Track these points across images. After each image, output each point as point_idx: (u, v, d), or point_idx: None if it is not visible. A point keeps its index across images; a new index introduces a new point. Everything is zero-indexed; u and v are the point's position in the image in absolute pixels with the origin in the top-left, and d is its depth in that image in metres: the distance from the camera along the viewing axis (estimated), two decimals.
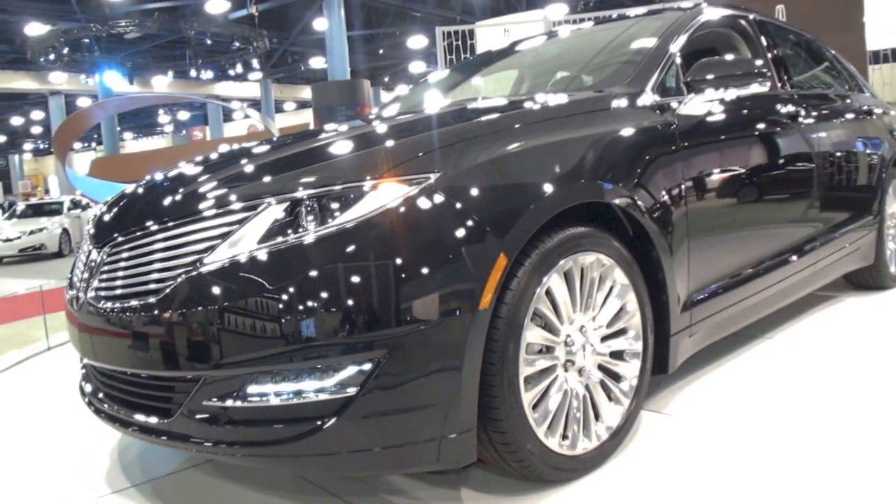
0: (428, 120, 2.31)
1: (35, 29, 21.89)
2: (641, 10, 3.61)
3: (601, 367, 2.14)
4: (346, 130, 2.43)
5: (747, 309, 2.84)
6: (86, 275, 2.08)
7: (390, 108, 3.53)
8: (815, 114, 3.34)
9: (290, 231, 1.74)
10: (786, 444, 2.16)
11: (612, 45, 3.07)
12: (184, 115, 40.95)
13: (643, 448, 2.22)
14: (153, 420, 1.89)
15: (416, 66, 32.22)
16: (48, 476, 2.40)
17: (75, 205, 16.85)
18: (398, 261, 1.68)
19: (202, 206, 1.88)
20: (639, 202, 2.21)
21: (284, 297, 1.66)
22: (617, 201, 2.15)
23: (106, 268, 2.01)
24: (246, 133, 28.30)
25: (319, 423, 1.67)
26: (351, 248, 1.68)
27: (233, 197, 1.86)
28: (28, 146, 48.49)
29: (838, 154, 3.49)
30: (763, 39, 3.32)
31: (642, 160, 2.30)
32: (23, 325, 5.37)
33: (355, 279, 1.67)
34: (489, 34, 9.14)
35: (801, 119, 3.23)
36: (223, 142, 23.25)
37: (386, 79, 34.98)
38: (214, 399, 1.75)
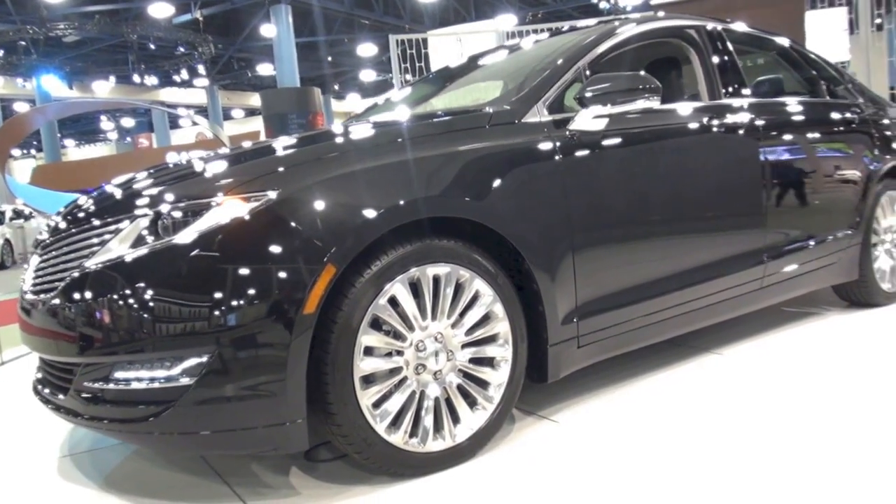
0: (284, 142, 2.40)
1: None
2: (592, 21, 3.66)
3: (463, 372, 2.24)
4: (210, 154, 2.62)
5: (662, 323, 2.79)
6: (30, 272, 2.43)
7: (356, 120, 3.45)
8: (762, 123, 3.23)
9: (146, 240, 2.02)
10: (659, 464, 2.12)
11: (538, 60, 2.95)
12: (128, 122, 39.97)
13: (509, 450, 2.30)
14: (56, 397, 2.22)
15: (367, 75, 32.14)
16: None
17: (18, 214, 16.15)
18: (230, 267, 1.93)
19: (93, 218, 2.20)
20: (504, 216, 2.29)
21: (133, 296, 1.94)
22: (475, 216, 2.24)
23: (36, 266, 2.36)
24: (195, 141, 27.75)
25: (165, 406, 1.93)
26: (190, 256, 1.95)
27: (113, 210, 2.17)
28: None
29: (792, 165, 3.39)
30: (712, 47, 3.27)
31: (511, 175, 2.37)
32: None
33: (191, 283, 1.93)
34: (442, 43, 9.21)
35: (733, 129, 3.14)
36: (170, 149, 22.84)
37: (336, 87, 34.81)
38: (92, 381, 2.04)
